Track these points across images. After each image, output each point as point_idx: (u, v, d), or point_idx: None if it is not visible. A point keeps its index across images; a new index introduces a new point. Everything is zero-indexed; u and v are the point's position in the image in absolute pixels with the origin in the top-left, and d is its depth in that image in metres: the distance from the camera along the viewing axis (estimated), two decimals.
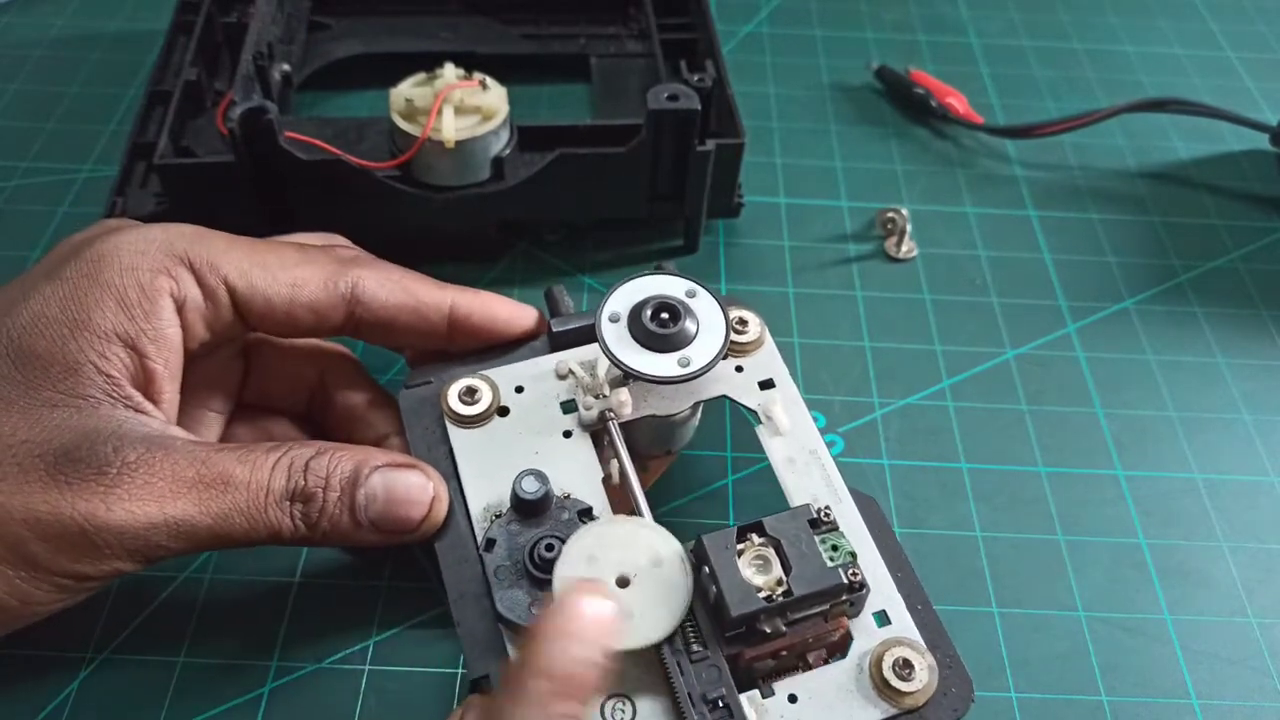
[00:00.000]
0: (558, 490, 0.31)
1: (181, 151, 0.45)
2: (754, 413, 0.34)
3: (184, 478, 0.28)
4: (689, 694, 0.27)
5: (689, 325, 0.32)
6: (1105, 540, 0.38)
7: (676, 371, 0.31)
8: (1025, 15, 0.65)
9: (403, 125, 0.42)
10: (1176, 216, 0.52)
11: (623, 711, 0.27)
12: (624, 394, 0.33)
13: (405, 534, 0.31)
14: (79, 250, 0.30)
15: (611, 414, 0.32)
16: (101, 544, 0.27)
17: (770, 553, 0.28)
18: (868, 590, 0.29)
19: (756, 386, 0.34)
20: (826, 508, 0.29)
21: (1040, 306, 0.47)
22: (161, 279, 0.30)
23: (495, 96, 0.43)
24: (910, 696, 0.27)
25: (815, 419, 0.41)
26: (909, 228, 0.48)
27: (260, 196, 0.42)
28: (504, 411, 0.33)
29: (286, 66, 0.51)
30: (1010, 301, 0.47)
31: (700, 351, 0.32)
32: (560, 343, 0.35)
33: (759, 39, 0.62)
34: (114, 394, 0.29)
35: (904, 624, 0.29)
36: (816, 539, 0.28)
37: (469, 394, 0.33)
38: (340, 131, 0.46)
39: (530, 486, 0.30)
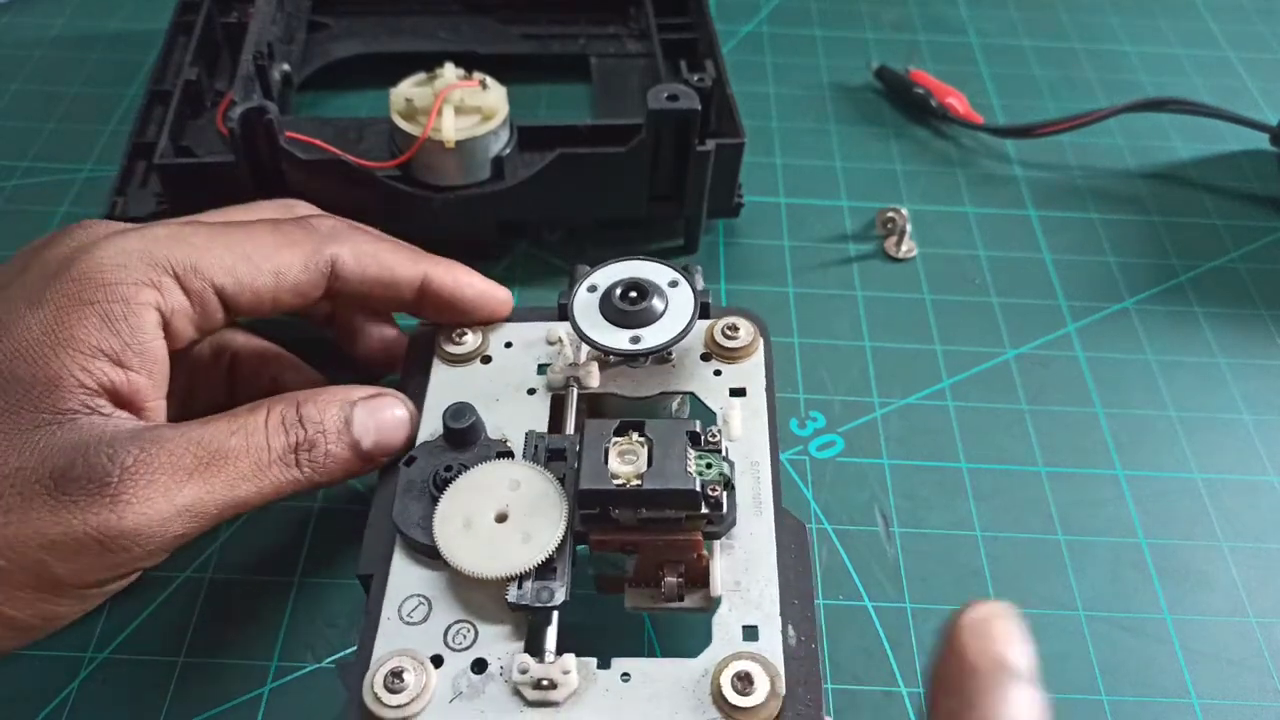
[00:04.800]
0: (496, 434, 0.32)
1: (181, 151, 0.45)
2: (715, 415, 0.33)
3: (183, 464, 0.28)
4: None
5: (655, 305, 0.33)
6: (1105, 540, 0.38)
7: (624, 346, 0.32)
8: (1025, 15, 0.65)
9: (403, 125, 0.42)
10: (1176, 216, 0.52)
11: (465, 637, 0.28)
12: (594, 367, 0.33)
13: (391, 455, 0.32)
14: (59, 271, 0.30)
15: (576, 382, 0.33)
16: (121, 551, 0.27)
17: (643, 451, 0.28)
18: (732, 522, 0.29)
19: (728, 392, 0.34)
20: (715, 430, 0.29)
21: (1040, 306, 0.47)
22: (146, 292, 0.30)
23: (495, 96, 0.43)
24: (742, 714, 0.26)
25: (815, 419, 0.42)
26: (909, 228, 0.48)
27: (260, 197, 0.42)
28: (487, 360, 0.35)
29: (286, 66, 0.51)
30: (1010, 301, 0.47)
31: (655, 334, 0.32)
32: (565, 314, 0.35)
33: (759, 39, 0.62)
34: (96, 406, 0.29)
35: (771, 645, 0.27)
36: (693, 452, 0.28)
37: (459, 335, 0.35)
38: (340, 131, 0.46)
39: (457, 416, 0.31)
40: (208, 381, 0.37)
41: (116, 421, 0.29)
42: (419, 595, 0.29)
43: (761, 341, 0.35)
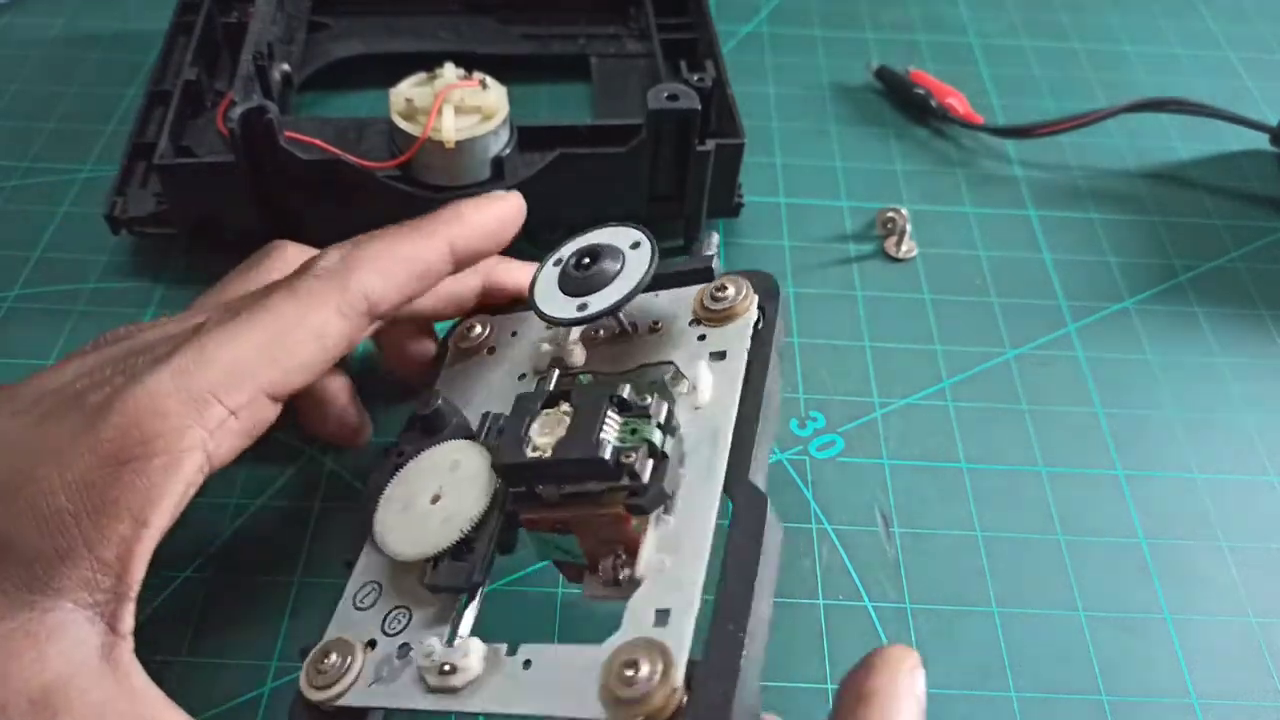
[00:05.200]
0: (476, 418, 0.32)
1: (181, 151, 0.45)
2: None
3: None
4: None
5: (606, 268, 0.30)
6: (1105, 540, 0.38)
7: (570, 314, 0.30)
8: (1025, 15, 0.65)
9: (403, 125, 0.42)
10: (1176, 216, 0.52)
11: (400, 621, 0.28)
12: (578, 346, 0.32)
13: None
14: (93, 422, 0.26)
15: (559, 362, 0.32)
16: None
17: (567, 421, 0.27)
18: (660, 493, 0.26)
19: (708, 356, 0.30)
20: (645, 398, 0.27)
21: (1040, 306, 0.47)
22: (189, 434, 0.26)
23: (495, 96, 0.43)
24: (624, 706, 0.23)
25: (815, 419, 0.42)
26: (909, 228, 0.48)
27: (260, 196, 0.42)
28: (492, 350, 0.35)
29: (286, 66, 0.51)
30: (1010, 301, 0.47)
31: (603, 298, 0.30)
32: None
33: (759, 39, 0.62)
34: (81, 601, 0.25)
35: (679, 632, 0.24)
36: (617, 419, 0.27)
37: (468, 328, 0.35)
38: (340, 131, 0.46)
39: (422, 403, 0.32)
40: None
41: (91, 663, 0.25)
42: (373, 582, 0.29)
43: (753, 300, 0.31)
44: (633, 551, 0.26)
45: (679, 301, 0.32)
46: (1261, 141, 0.55)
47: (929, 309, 0.46)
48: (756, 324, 0.31)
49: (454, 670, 0.25)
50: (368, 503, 0.31)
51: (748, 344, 0.30)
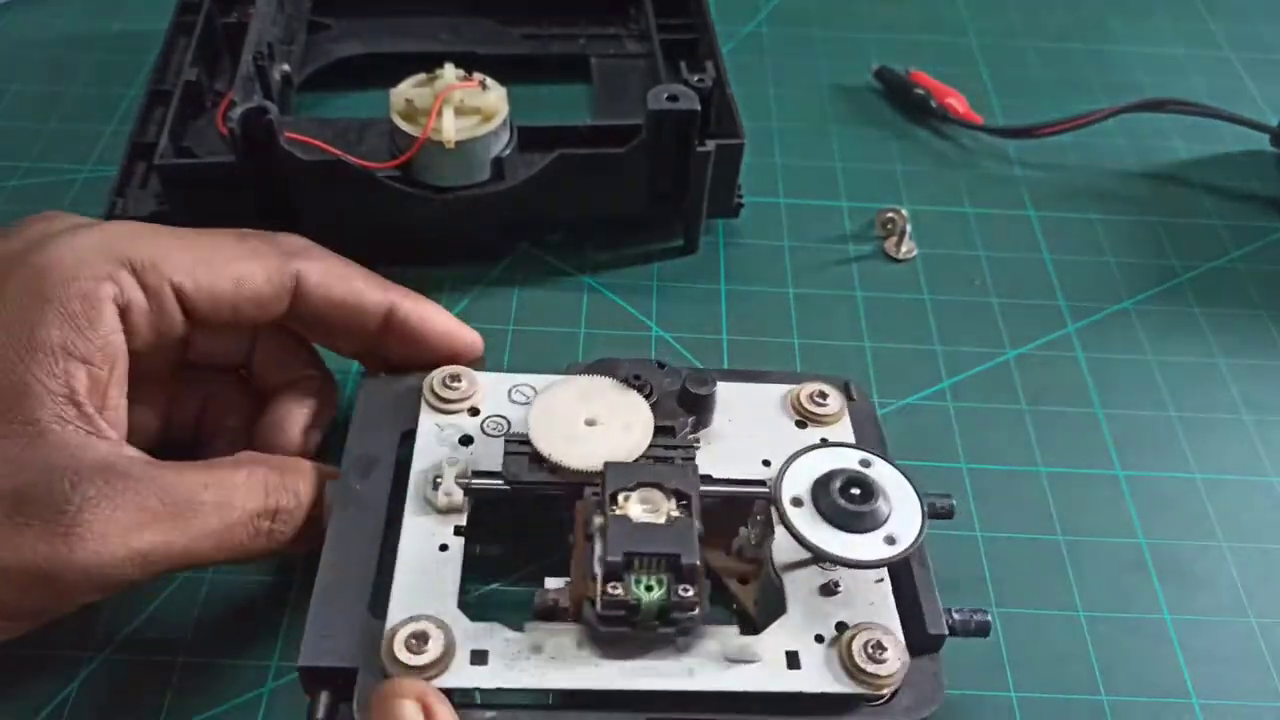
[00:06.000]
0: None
1: (181, 151, 0.45)
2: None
3: (148, 507, 0.27)
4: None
5: (880, 507, 0.30)
6: (1105, 540, 0.38)
7: (868, 554, 0.29)
8: (1025, 15, 0.65)
9: (403, 125, 0.42)
10: (1176, 216, 0.52)
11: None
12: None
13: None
14: (15, 268, 0.29)
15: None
16: (66, 584, 0.27)
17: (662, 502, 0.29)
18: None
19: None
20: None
21: (1040, 306, 0.47)
22: (105, 285, 0.29)
23: (495, 97, 0.43)
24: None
25: None
26: (909, 228, 0.48)
27: (260, 197, 0.42)
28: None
29: (286, 66, 0.51)
30: (1010, 301, 0.47)
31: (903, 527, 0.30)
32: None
33: (759, 39, 0.62)
34: (64, 415, 0.28)
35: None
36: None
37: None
38: (340, 132, 0.46)
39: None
40: (183, 420, 0.36)
41: (89, 443, 0.28)
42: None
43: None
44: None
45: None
46: (1261, 141, 0.55)
47: (929, 309, 0.46)
48: None
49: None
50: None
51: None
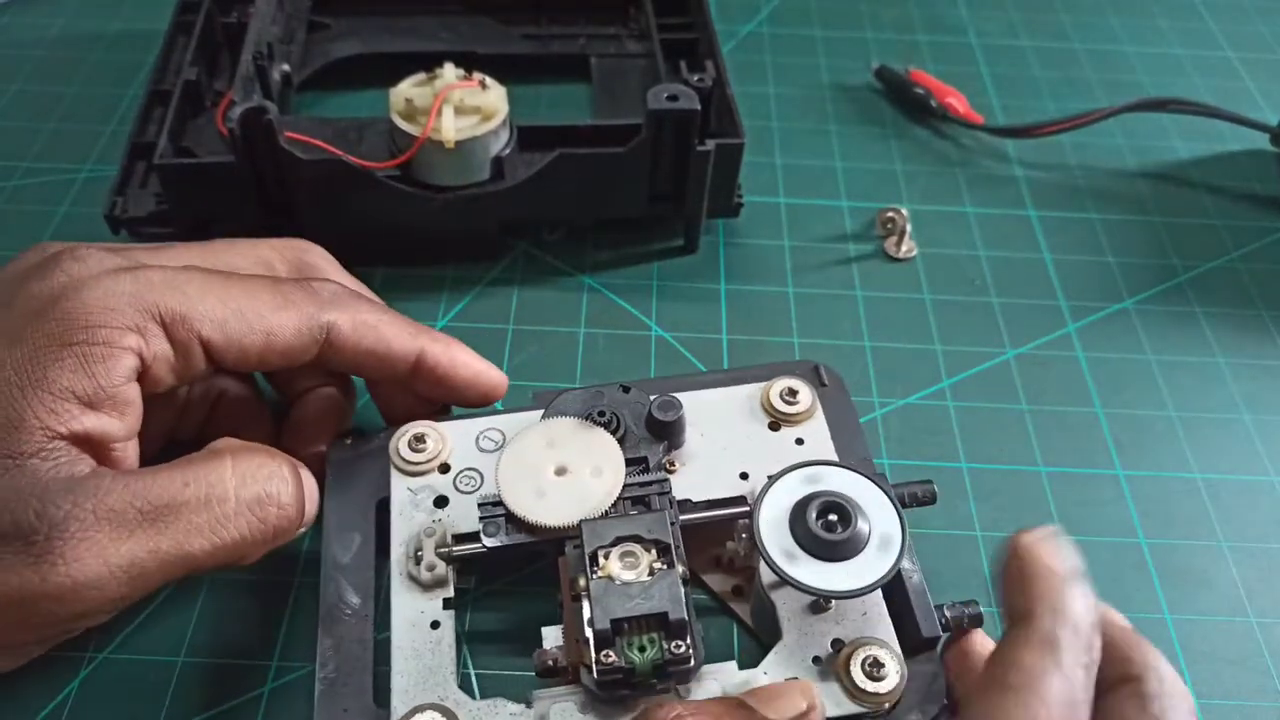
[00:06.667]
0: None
1: (181, 151, 0.45)
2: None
3: (124, 519, 0.27)
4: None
5: (861, 531, 0.30)
6: (1105, 540, 0.38)
7: (860, 582, 0.29)
8: (1025, 15, 0.65)
9: (403, 125, 0.42)
10: (1176, 216, 0.52)
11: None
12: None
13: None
14: (44, 309, 0.28)
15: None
16: (45, 613, 0.26)
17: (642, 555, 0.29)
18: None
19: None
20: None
21: (1040, 306, 0.47)
22: (129, 336, 0.29)
23: (495, 96, 0.43)
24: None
25: None
26: (909, 228, 0.48)
27: (260, 196, 0.42)
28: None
29: (286, 66, 0.51)
30: (1010, 301, 0.47)
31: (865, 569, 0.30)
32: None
33: (759, 39, 0.62)
34: (50, 450, 0.27)
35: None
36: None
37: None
38: (340, 131, 0.46)
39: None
40: (191, 423, 0.36)
41: (65, 468, 0.27)
42: None
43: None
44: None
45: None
46: (1261, 141, 0.55)
47: (929, 309, 0.46)
48: None
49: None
50: None
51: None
